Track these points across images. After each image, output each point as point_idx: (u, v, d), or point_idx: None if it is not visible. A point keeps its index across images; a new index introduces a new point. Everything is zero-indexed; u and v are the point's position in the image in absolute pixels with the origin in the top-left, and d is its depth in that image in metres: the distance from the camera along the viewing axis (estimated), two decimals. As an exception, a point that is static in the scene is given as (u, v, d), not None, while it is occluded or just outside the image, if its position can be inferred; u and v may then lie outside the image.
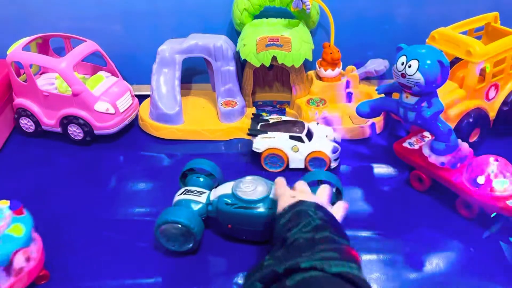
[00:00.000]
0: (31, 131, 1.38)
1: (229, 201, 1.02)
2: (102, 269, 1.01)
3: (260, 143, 1.24)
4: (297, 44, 1.31)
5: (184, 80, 1.46)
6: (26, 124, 1.38)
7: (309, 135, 1.24)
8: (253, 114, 1.34)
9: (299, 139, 1.23)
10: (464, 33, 1.31)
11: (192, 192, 1.07)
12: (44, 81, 1.38)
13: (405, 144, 1.21)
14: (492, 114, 1.30)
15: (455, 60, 1.35)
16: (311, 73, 1.46)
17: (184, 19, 1.46)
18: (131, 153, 1.33)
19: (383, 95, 1.21)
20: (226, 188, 1.05)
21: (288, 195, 0.93)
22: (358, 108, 1.22)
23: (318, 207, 0.85)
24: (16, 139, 1.40)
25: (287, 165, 1.25)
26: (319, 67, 1.41)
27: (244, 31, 1.37)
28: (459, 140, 1.12)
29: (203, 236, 1.05)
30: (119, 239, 1.07)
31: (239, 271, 0.99)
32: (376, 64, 1.46)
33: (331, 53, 1.39)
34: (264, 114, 1.43)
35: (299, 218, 0.82)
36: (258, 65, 1.34)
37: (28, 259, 0.93)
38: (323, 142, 1.24)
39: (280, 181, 1.00)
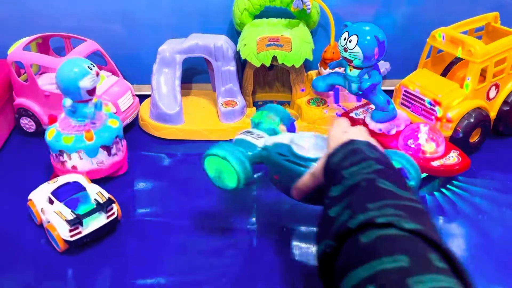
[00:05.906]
0: (31, 131, 1.38)
1: (282, 151, 0.96)
2: (102, 268, 1.01)
3: None
4: (298, 44, 1.31)
5: (185, 80, 1.46)
6: (27, 124, 1.38)
7: None
8: None
9: None
10: (465, 33, 1.31)
11: (252, 134, 1.03)
12: (45, 81, 1.38)
13: (352, 115, 1.31)
14: (493, 114, 1.30)
15: (456, 60, 1.35)
16: (312, 73, 1.46)
17: (184, 19, 1.46)
18: (131, 153, 1.33)
19: (334, 70, 1.30)
20: (284, 138, 0.99)
21: (339, 131, 0.86)
22: (313, 82, 1.30)
23: (371, 146, 0.79)
24: (16, 139, 1.40)
25: None
26: (319, 67, 1.42)
27: (244, 31, 1.37)
28: (399, 111, 1.23)
29: (203, 238, 1.05)
30: (119, 239, 1.07)
31: (237, 270, 1.00)
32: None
33: (333, 52, 1.39)
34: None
35: (356, 156, 0.74)
36: (258, 65, 1.34)
37: (118, 149, 1.20)
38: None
39: (343, 121, 0.92)
